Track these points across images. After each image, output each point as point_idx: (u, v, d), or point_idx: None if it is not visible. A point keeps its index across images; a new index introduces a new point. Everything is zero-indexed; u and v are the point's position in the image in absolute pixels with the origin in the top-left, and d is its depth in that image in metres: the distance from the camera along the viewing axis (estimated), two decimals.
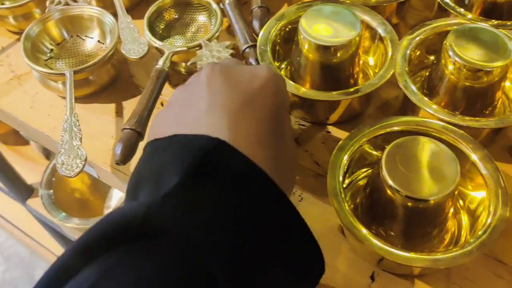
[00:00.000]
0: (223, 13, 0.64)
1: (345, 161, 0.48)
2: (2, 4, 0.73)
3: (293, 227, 0.29)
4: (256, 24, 0.62)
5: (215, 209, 0.26)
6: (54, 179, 1.26)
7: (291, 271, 0.28)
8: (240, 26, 0.61)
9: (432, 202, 0.43)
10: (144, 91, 0.57)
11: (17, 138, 1.50)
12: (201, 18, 0.66)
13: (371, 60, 0.62)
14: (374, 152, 0.51)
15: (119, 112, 0.62)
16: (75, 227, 1.12)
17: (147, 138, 0.34)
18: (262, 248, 0.27)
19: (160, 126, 0.33)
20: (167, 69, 0.59)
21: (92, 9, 0.65)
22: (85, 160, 0.51)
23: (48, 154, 1.44)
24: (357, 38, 0.54)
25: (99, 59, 0.59)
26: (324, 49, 0.54)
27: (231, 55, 0.58)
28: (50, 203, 1.20)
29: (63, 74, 0.59)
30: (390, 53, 0.57)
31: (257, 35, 0.61)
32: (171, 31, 0.66)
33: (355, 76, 0.59)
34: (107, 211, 1.31)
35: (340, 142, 0.49)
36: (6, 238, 1.75)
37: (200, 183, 0.27)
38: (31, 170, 1.45)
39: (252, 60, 0.59)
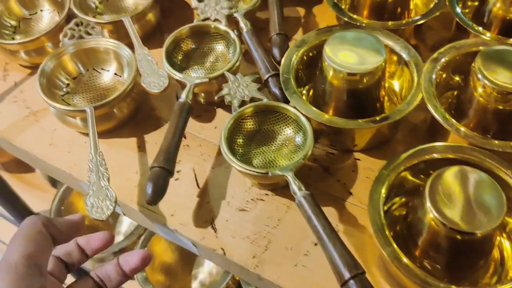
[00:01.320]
0: (241, 40, 0.63)
1: (384, 193, 0.47)
2: (13, 38, 0.72)
3: None
4: (276, 51, 0.61)
5: None
6: (63, 207, 1.24)
7: None
8: (260, 54, 0.61)
9: (479, 235, 0.42)
10: (169, 126, 0.56)
11: (20, 165, 1.48)
12: (219, 47, 0.65)
13: (395, 84, 0.61)
14: (412, 180, 0.51)
15: (141, 147, 0.61)
16: None
17: None
18: None
19: None
20: (189, 102, 0.58)
21: (108, 41, 0.64)
22: (115, 202, 0.50)
23: (54, 181, 1.42)
24: (383, 64, 0.54)
25: (119, 94, 0.58)
26: (350, 76, 0.53)
27: (258, 89, 0.57)
28: None
29: (84, 111, 0.57)
30: (415, 77, 0.56)
31: (278, 63, 0.60)
32: (189, 61, 0.65)
33: (381, 100, 0.58)
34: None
35: (377, 174, 0.48)
36: None
37: None
38: (38, 198, 1.43)
39: (275, 90, 0.58)
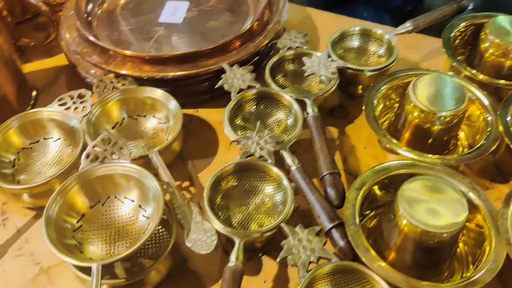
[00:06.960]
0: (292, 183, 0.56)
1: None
2: (13, 176, 0.62)
3: None
4: (332, 194, 0.55)
5: None
6: None
7: None
8: (318, 199, 0.54)
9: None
10: None
11: None
12: (266, 188, 0.58)
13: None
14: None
15: None
16: None
17: None
18: None
19: None
20: (242, 265, 0.49)
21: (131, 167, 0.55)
22: None
23: None
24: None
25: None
26: (425, 236, 0.48)
27: (324, 244, 0.50)
28: None
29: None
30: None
31: (335, 206, 0.55)
32: (229, 203, 0.57)
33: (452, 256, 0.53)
34: None
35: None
36: None
37: None
38: None
39: (342, 243, 0.51)
